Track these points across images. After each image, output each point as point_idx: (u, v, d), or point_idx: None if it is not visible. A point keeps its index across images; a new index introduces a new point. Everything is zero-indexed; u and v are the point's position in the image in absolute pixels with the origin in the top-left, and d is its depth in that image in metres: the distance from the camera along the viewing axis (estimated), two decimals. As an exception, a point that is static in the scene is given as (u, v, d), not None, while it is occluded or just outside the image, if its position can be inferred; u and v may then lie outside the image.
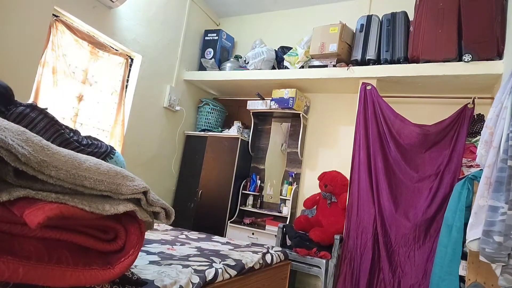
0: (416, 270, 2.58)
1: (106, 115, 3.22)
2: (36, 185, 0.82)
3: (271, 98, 3.65)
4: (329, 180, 3.15)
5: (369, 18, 3.22)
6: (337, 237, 2.88)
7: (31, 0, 2.50)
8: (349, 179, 3.03)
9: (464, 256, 1.99)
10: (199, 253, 1.91)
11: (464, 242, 2.10)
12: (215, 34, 4.21)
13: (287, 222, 3.43)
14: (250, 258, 1.94)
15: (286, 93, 3.54)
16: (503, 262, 1.42)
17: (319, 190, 3.27)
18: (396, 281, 2.63)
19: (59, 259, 0.84)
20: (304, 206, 3.39)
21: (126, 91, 3.38)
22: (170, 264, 1.52)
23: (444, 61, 2.76)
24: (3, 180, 0.79)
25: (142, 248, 1.65)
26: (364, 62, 3.16)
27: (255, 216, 3.75)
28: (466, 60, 2.66)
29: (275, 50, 3.85)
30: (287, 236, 3.19)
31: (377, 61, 3.13)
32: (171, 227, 2.76)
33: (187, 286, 1.34)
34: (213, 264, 1.65)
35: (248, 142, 3.91)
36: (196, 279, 1.41)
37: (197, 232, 2.74)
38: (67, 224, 0.87)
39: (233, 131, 3.93)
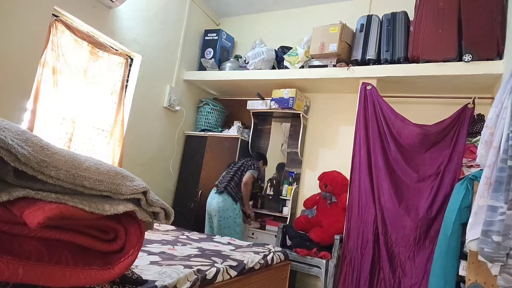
0: (417, 270, 2.58)
1: (106, 115, 3.21)
2: (36, 185, 0.82)
3: (271, 98, 3.65)
4: (329, 180, 3.15)
5: (369, 18, 3.22)
6: (337, 237, 2.88)
7: (31, 0, 2.50)
8: (349, 179, 3.03)
9: (464, 256, 1.99)
10: (200, 253, 1.91)
11: (463, 242, 2.10)
12: (215, 34, 4.21)
13: (287, 222, 3.43)
14: (251, 259, 1.94)
15: (286, 93, 3.54)
16: (501, 262, 1.42)
17: (319, 190, 3.27)
18: (396, 281, 2.63)
19: (59, 259, 0.84)
20: (304, 206, 3.39)
21: (125, 91, 3.38)
22: (171, 265, 1.51)
23: (444, 61, 2.76)
24: (3, 180, 0.79)
25: (143, 248, 1.66)
26: (364, 62, 3.16)
27: (255, 216, 3.74)
28: (466, 60, 2.66)
29: (275, 50, 3.85)
30: (287, 236, 3.19)
31: (377, 61, 3.13)
32: (172, 228, 2.76)
33: (187, 286, 1.34)
34: (215, 265, 1.64)
35: (248, 142, 3.91)
36: (196, 279, 1.41)
37: (198, 233, 2.74)
38: (67, 224, 0.87)
39: (233, 131, 3.93)
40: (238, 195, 3.19)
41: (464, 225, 2.01)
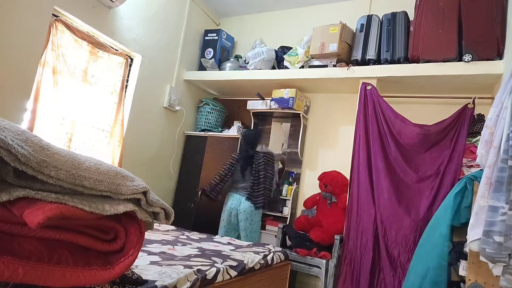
0: (416, 270, 2.58)
1: (106, 115, 3.21)
2: (36, 185, 0.81)
3: (271, 98, 3.64)
4: (329, 180, 3.15)
5: (369, 18, 3.22)
6: (337, 237, 2.88)
7: (31, 0, 2.50)
8: (349, 179, 3.03)
9: (464, 256, 1.99)
10: (200, 253, 1.91)
11: (459, 242, 2.11)
12: (215, 34, 4.21)
13: (287, 222, 3.43)
14: (252, 259, 1.93)
15: (286, 93, 3.54)
16: (503, 262, 1.42)
17: (319, 190, 3.27)
18: (396, 281, 2.63)
19: (59, 259, 0.84)
20: (304, 206, 3.39)
21: (126, 91, 3.38)
22: (171, 265, 1.51)
23: (444, 61, 2.75)
24: (3, 180, 0.79)
25: (143, 248, 1.65)
26: (364, 62, 3.16)
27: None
28: (466, 60, 2.66)
29: (275, 50, 3.85)
30: (287, 236, 3.19)
31: (377, 61, 3.13)
32: (172, 228, 2.75)
33: (187, 286, 1.34)
34: (215, 265, 1.64)
35: (248, 142, 3.90)
36: (196, 279, 1.40)
37: (198, 233, 2.74)
38: (67, 224, 0.87)
39: (233, 131, 3.92)
40: (264, 202, 3.19)
41: (464, 225, 2.02)
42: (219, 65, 4.09)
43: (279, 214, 3.57)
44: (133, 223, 1.00)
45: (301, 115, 3.62)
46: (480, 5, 2.67)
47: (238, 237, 3.12)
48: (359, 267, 2.76)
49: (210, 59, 4.08)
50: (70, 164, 0.85)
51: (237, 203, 3.16)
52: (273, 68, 3.81)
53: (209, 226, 3.50)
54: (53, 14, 2.69)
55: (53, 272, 0.81)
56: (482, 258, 1.50)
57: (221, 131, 4.03)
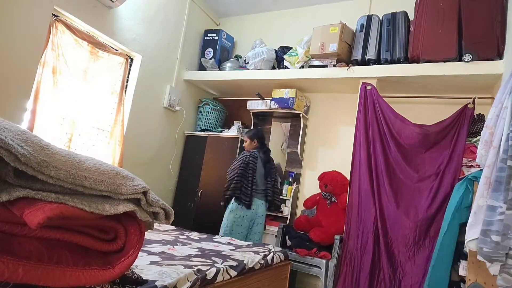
0: (417, 270, 2.58)
1: (106, 115, 3.21)
2: (36, 185, 0.81)
3: (271, 98, 3.65)
4: (329, 180, 3.15)
5: (369, 18, 3.22)
6: (337, 237, 2.88)
7: (31, 0, 2.50)
8: (349, 179, 3.03)
9: (464, 256, 1.99)
10: (200, 253, 1.91)
11: (462, 242, 2.11)
12: (215, 34, 4.21)
13: (287, 222, 3.43)
14: (252, 259, 1.93)
15: (286, 93, 3.54)
16: (501, 262, 1.42)
17: (319, 190, 3.27)
18: (396, 281, 2.63)
19: (59, 259, 0.84)
20: (304, 206, 3.39)
21: (126, 91, 3.38)
22: (171, 265, 1.51)
23: (444, 61, 2.76)
24: (3, 180, 0.79)
25: (143, 248, 1.66)
26: (364, 62, 3.16)
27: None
28: (466, 60, 2.66)
29: (275, 50, 3.85)
30: (287, 236, 3.19)
31: (377, 61, 3.13)
32: (172, 228, 2.75)
33: (187, 286, 1.34)
34: (215, 265, 1.64)
35: (248, 142, 3.90)
36: (196, 279, 1.41)
37: (198, 233, 2.74)
38: (67, 224, 0.87)
39: (233, 131, 3.92)
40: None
41: (463, 225, 2.02)
42: (219, 65, 4.09)
43: (279, 214, 3.57)
44: (133, 223, 1.00)
45: (301, 115, 3.62)
46: (480, 5, 2.67)
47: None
48: (359, 267, 2.76)
49: (210, 59, 4.08)
50: (70, 164, 0.86)
51: (256, 208, 3.11)
52: (273, 68, 3.81)
53: (209, 226, 3.50)
54: (53, 14, 2.69)
55: (53, 272, 0.81)
56: (479, 257, 1.50)
57: (221, 131, 4.03)
